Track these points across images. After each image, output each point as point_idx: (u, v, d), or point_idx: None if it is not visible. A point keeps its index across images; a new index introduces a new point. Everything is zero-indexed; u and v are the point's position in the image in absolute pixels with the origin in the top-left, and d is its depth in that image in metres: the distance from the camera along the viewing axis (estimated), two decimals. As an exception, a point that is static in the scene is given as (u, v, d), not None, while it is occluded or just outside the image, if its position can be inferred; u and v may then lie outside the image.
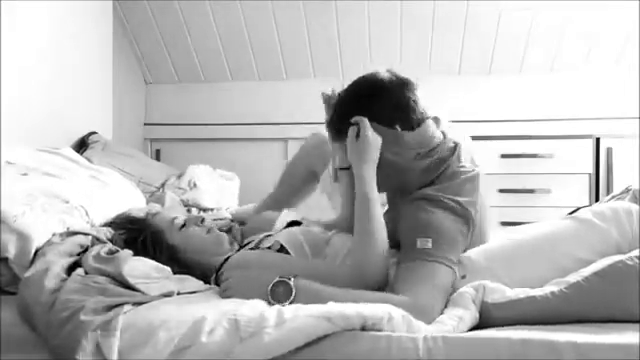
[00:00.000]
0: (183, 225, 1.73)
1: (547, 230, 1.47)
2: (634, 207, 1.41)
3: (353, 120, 1.50)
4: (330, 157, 2.02)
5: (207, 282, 1.59)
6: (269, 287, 1.35)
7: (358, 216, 1.45)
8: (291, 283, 1.34)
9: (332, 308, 1.21)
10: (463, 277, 1.41)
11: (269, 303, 1.32)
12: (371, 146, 1.48)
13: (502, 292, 1.30)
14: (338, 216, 1.84)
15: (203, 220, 1.79)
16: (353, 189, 1.51)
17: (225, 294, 1.43)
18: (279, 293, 1.33)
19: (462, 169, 1.52)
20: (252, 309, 1.24)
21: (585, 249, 1.38)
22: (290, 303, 1.31)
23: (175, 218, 1.76)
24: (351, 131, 1.50)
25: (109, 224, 1.77)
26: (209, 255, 1.65)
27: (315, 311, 1.20)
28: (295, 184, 2.21)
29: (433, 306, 1.32)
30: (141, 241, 1.65)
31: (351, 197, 1.63)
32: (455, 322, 1.24)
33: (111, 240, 1.67)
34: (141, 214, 1.83)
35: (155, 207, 2.01)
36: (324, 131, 2.17)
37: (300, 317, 1.19)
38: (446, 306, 1.34)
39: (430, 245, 1.38)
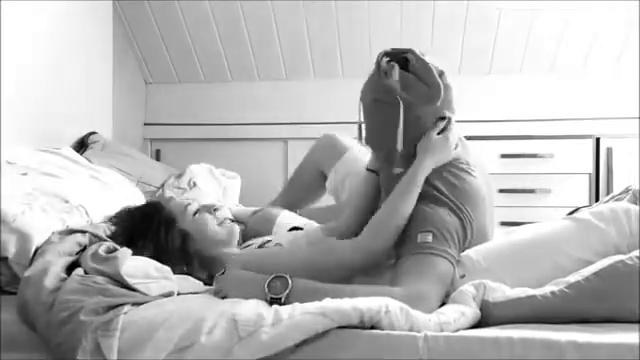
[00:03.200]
0: (197, 212, 1.71)
1: (546, 230, 1.48)
2: (633, 207, 1.41)
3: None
4: (340, 156, 2.03)
5: (212, 277, 1.57)
6: (266, 281, 1.35)
7: (396, 192, 1.48)
8: (287, 277, 1.35)
9: (328, 304, 1.21)
10: (462, 276, 1.41)
11: (265, 299, 1.32)
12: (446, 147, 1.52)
13: (502, 291, 1.30)
14: (341, 222, 1.81)
15: (217, 209, 1.77)
16: (369, 195, 1.57)
17: (220, 294, 1.43)
18: (276, 286, 1.34)
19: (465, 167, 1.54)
20: (250, 309, 1.25)
21: (584, 249, 1.39)
22: (287, 296, 1.31)
23: (189, 204, 1.74)
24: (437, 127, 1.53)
25: (116, 216, 1.75)
26: (221, 246, 1.64)
27: (311, 308, 1.20)
28: (304, 185, 2.21)
29: (430, 297, 1.33)
30: (155, 226, 1.64)
31: (363, 206, 1.66)
32: (457, 315, 1.24)
33: (111, 237, 1.66)
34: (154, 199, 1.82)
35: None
36: (332, 132, 2.18)
37: (296, 315, 1.19)
38: (446, 303, 1.34)
39: (430, 239, 1.40)
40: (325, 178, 2.14)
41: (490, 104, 3.09)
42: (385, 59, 1.54)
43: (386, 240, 1.45)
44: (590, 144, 2.94)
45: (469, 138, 2.97)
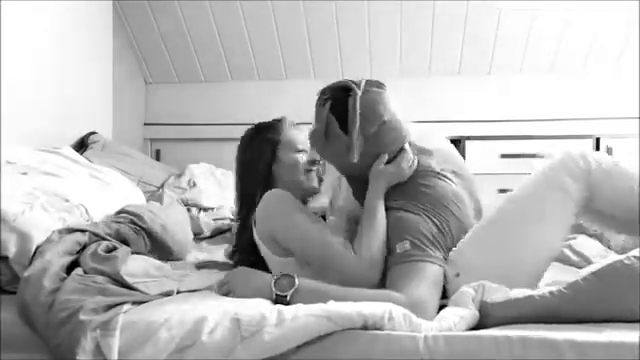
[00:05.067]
0: (300, 151, 1.76)
1: (514, 199, 1.49)
2: (575, 150, 1.46)
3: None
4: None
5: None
6: (273, 279, 1.38)
7: (364, 224, 1.48)
8: (294, 276, 1.38)
9: (332, 307, 1.21)
10: (457, 275, 1.42)
11: (271, 296, 1.34)
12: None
13: (501, 292, 1.31)
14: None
15: (316, 164, 1.77)
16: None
17: (225, 288, 1.43)
18: (282, 284, 1.37)
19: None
20: (253, 309, 1.25)
21: (550, 205, 1.42)
22: (292, 295, 1.34)
23: (300, 147, 1.77)
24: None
25: None
26: (296, 192, 1.67)
27: (315, 310, 1.20)
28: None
29: (428, 302, 1.33)
30: (261, 141, 1.75)
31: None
32: (456, 319, 1.24)
33: (111, 235, 1.66)
34: (144, 211, 1.82)
35: (154, 205, 2.01)
36: None
37: (300, 316, 1.19)
38: (446, 305, 1.34)
39: (408, 246, 1.41)
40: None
41: (490, 104, 3.10)
42: (324, 96, 1.55)
43: (381, 263, 1.46)
44: (590, 144, 2.94)
45: (469, 138, 3.00)
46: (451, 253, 1.46)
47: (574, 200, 1.42)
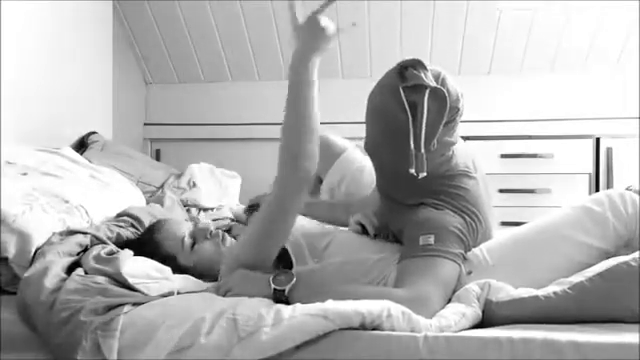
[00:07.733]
0: (193, 244, 1.69)
1: (547, 219, 1.50)
2: (627, 192, 1.45)
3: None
4: (335, 158, 2.02)
5: None
6: (271, 276, 1.37)
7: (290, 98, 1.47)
8: (292, 272, 1.38)
9: (329, 306, 1.21)
10: (469, 273, 1.43)
11: (269, 292, 1.34)
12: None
13: (506, 291, 1.31)
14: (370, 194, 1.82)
15: (211, 232, 1.73)
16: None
17: (224, 288, 1.43)
18: (281, 280, 1.36)
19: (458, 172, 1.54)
20: (250, 308, 1.25)
21: (584, 232, 1.41)
22: (290, 290, 1.34)
23: (183, 238, 1.69)
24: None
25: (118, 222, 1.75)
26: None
27: (312, 309, 1.20)
28: None
29: (432, 299, 1.33)
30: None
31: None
32: (457, 317, 1.25)
33: (112, 239, 1.66)
34: (144, 215, 1.82)
35: (155, 207, 2.01)
36: (325, 132, 2.17)
37: (297, 316, 1.19)
38: (450, 301, 1.34)
39: (432, 241, 1.41)
40: (319, 180, 2.12)
41: (490, 104, 3.09)
42: (411, 70, 1.51)
43: (313, 156, 1.49)
44: (590, 144, 2.94)
45: (469, 138, 2.99)
46: (469, 253, 1.47)
47: (610, 233, 1.40)
